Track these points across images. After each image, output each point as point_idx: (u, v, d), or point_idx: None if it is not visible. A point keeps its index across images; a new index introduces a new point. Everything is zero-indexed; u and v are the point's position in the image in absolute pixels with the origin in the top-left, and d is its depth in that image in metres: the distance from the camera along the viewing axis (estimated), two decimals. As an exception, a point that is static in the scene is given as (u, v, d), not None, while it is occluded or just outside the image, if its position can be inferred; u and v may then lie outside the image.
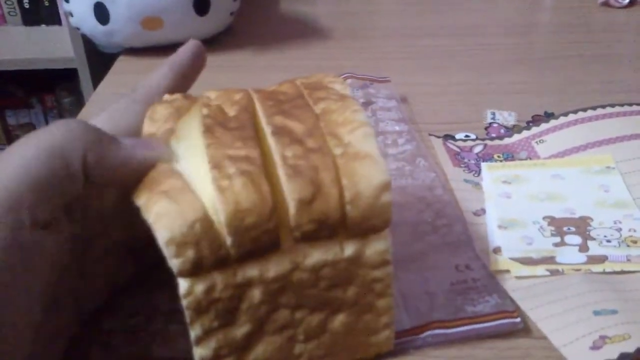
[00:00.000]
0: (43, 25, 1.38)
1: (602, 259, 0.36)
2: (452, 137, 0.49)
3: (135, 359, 0.31)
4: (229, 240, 0.25)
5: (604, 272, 0.35)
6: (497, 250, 0.37)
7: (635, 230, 0.38)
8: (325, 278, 0.27)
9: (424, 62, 0.64)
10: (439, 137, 0.49)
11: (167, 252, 0.24)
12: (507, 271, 0.36)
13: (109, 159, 0.27)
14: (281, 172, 0.26)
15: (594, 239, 0.38)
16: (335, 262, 0.27)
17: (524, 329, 0.32)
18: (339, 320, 0.28)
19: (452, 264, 0.36)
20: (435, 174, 0.43)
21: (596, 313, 0.32)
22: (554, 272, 0.35)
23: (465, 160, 0.46)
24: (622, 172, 0.43)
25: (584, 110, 0.49)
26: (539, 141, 0.47)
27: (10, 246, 0.24)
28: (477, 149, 0.47)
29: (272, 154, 0.27)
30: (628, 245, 0.37)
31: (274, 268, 0.26)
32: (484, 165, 0.45)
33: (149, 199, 0.26)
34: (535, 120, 0.50)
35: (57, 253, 0.27)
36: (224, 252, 0.25)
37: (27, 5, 1.36)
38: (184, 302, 0.25)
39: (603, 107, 0.49)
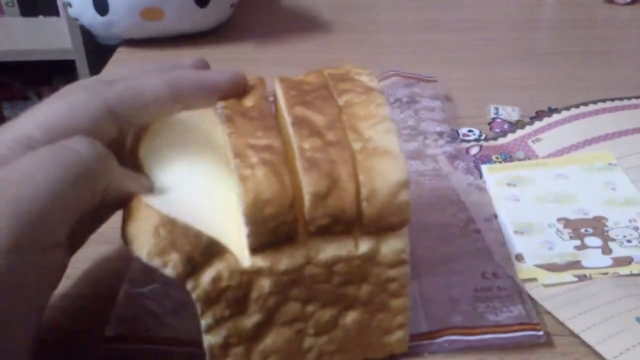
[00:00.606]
0: (41, 17, 1.36)
1: (628, 260, 0.35)
2: (456, 132, 0.48)
3: (135, 340, 0.30)
4: (246, 230, 0.24)
5: (630, 274, 0.34)
6: (519, 258, 0.36)
7: (652, 228, 0.37)
8: (338, 274, 0.26)
9: (425, 57, 0.63)
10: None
11: (155, 266, 0.24)
12: (534, 279, 0.34)
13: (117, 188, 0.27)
14: (298, 165, 0.25)
15: (613, 239, 0.37)
16: (349, 259, 0.26)
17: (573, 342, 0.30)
18: (351, 317, 0.28)
19: (479, 270, 0.34)
20: (473, 177, 0.42)
21: (639, 320, 0.30)
22: (581, 278, 0.34)
23: (464, 162, 0.44)
24: (624, 168, 0.42)
25: (576, 106, 0.48)
26: (535, 140, 0.46)
27: (23, 270, 0.22)
28: (474, 151, 0.46)
29: (292, 144, 0.26)
30: (648, 244, 0.36)
31: (285, 261, 0.25)
32: (484, 167, 0.44)
33: (123, 231, 0.26)
34: (539, 115, 0.50)
35: (59, 269, 0.26)
36: (206, 239, 0.25)
37: (24, -4, 1.35)
38: (193, 296, 0.25)
39: (594, 102, 0.48)
